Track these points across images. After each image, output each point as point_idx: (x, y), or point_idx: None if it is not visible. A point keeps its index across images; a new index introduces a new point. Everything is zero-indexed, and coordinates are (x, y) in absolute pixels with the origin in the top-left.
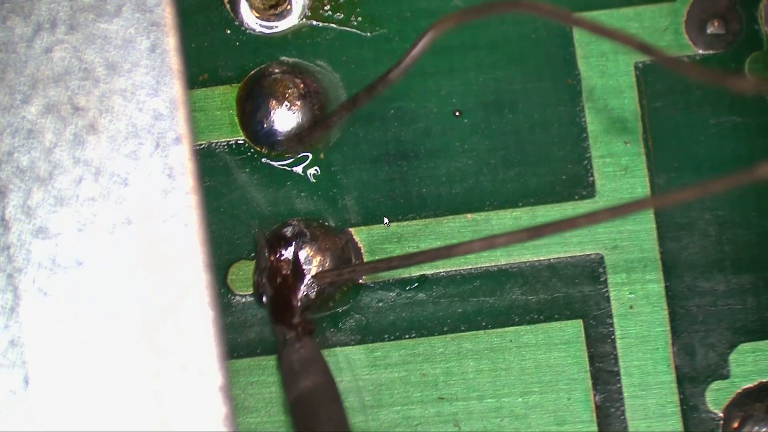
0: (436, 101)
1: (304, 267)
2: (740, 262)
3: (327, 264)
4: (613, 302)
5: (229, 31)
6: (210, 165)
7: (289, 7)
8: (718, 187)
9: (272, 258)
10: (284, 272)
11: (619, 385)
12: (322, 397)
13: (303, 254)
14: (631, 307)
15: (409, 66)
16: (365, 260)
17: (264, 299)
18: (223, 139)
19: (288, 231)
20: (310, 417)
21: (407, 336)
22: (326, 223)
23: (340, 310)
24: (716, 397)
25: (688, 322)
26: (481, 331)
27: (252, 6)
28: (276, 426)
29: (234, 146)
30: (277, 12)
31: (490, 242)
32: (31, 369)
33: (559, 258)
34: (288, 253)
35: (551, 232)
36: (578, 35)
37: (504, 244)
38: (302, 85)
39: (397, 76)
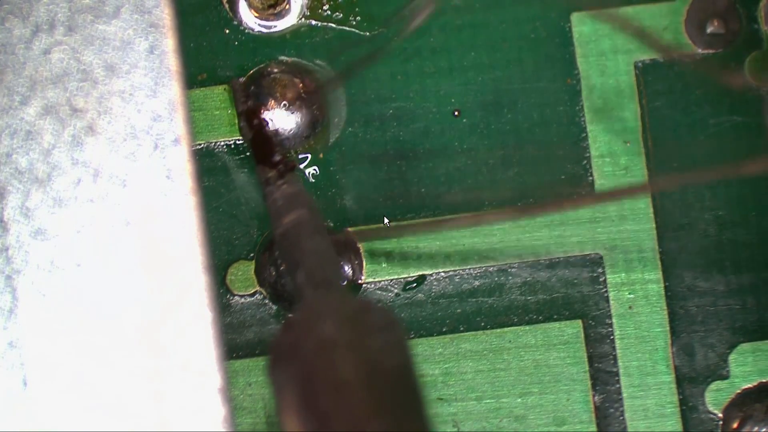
0: (435, 101)
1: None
2: (740, 262)
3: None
4: (612, 302)
5: (227, 31)
6: (209, 165)
7: (287, 6)
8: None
9: (248, 101)
10: (261, 113)
11: (618, 386)
12: (305, 228)
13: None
14: (630, 308)
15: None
16: (363, 260)
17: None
18: (222, 139)
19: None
20: (294, 249)
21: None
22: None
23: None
24: (716, 398)
25: (688, 323)
26: (480, 332)
27: (251, 5)
28: (274, 427)
29: (233, 146)
30: (275, 11)
31: (477, 218)
32: (30, 370)
33: (558, 258)
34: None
35: (538, 212)
36: (578, 35)
37: (491, 221)
38: (301, 85)
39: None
